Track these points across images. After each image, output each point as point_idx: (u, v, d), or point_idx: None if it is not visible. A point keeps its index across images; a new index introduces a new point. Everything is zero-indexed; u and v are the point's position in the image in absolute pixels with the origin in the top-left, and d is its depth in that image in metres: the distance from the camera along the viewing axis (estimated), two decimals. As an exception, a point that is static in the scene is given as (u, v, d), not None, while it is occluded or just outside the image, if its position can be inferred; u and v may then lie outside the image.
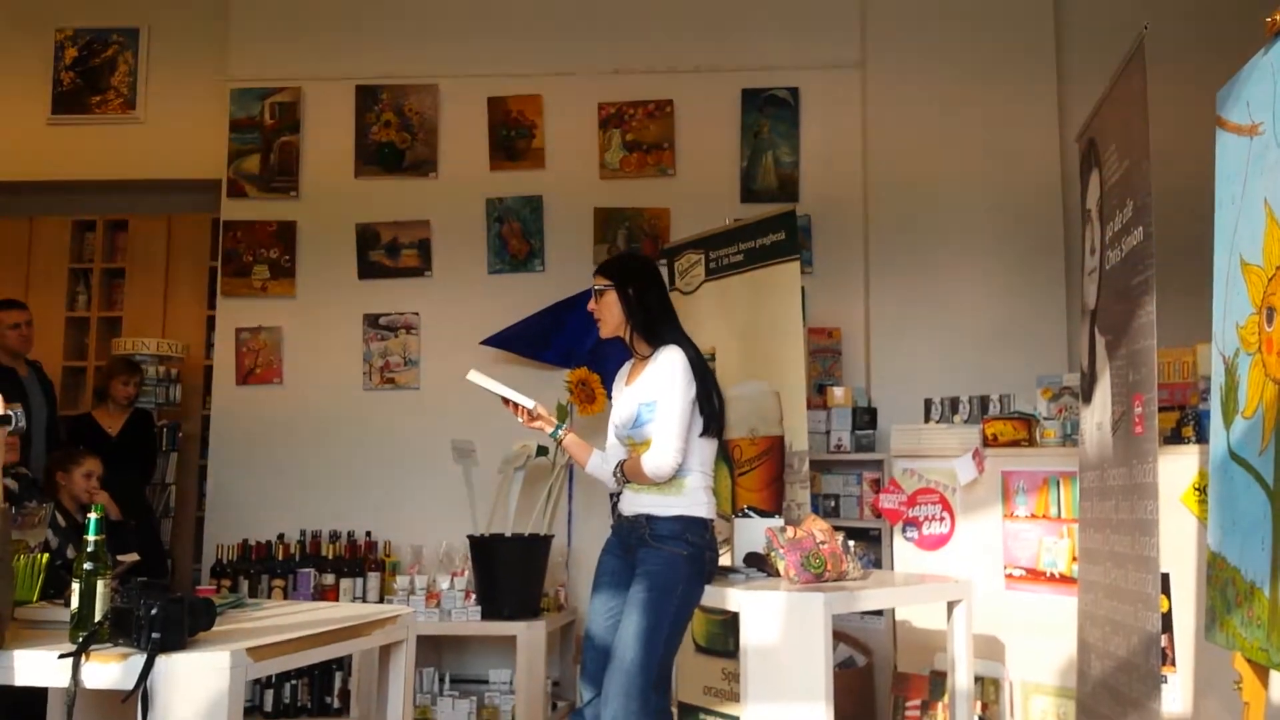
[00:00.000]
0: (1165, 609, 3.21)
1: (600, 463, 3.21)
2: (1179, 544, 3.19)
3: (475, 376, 3.19)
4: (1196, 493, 3.21)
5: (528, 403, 3.17)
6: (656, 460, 2.97)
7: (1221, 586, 2.46)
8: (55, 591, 2.84)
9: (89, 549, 2.25)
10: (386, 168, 5.76)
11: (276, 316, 5.71)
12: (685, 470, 3.02)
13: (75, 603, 2.23)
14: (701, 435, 3.05)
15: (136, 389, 5.66)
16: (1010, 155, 5.37)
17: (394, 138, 5.77)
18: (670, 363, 3.01)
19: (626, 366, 3.25)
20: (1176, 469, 3.24)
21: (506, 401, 3.18)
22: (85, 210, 6.67)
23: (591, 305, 3.20)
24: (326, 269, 5.71)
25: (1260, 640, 2.23)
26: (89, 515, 2.29)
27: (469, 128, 5.73)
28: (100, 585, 2.23)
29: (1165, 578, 3.17)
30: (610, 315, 3.16)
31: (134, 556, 3.22)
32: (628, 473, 3.08)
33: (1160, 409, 2.98)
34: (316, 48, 5.85)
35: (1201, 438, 3.26)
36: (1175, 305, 3.28)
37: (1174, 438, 3.41)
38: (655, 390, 3.01)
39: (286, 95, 5.82)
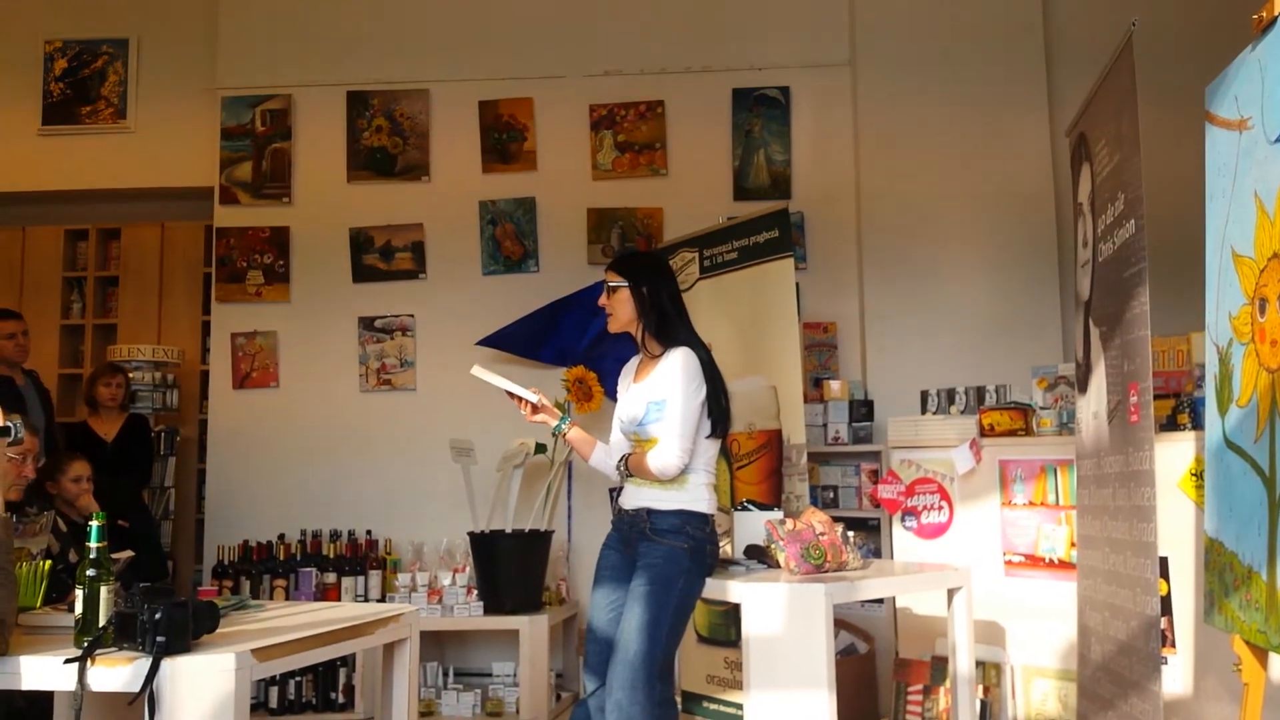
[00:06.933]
0: (1164, 592, 3.23)
1: (604, 456, 3.22)
2: (1177, 528, 3.21)
3: (479, 371, 3.20)
4: (1193, 478, 3.23)
5: (532, 397, 3.16)
6: (663, 459, 2.98)
7: (1219, 571, 2.48)
8: (57, 595, 2.86)
9: (91, 555, 2.27)
10: (379, 172, 5.77)
11: (271, 321, 5.72)
12: (689, 469, 3.03)
13: (80, 608, 2.25)
14: (708, 436, 3.07)
15: (121, 389, 5.56)
16: (1002, 149, 5.40)
17: (386, 143, 5.78)
18: (682, 364, 3.01)
19: (634, 362, 3.24)
20: (1173, 455, 3.26)
21: (512, 395, 3.18)
22: (78, 219, 6.66)
23: (603, 300, 3.18)
24: (321, 273, 5.73)
25: (1259, 623, 2.25)
26: (91, 523, 2.30)
27: (461, 131, 5.74)
28: (104, 591, 2.26)
29: (1164, 561, 3.19)
30: (622, 312, 3.15)
31: (128, 553, 3.24)
32: (632, 468, 3.09)
33: (1155, 396, 3.00)
34: (306, 54, 5.86)
35: (1197, 424, 3.27)
36: (1168, 294, 3.30)
37: (1170, 424, 3.42)
38: (665, 390, 3.01)
39: (277, 102, 5.83)
